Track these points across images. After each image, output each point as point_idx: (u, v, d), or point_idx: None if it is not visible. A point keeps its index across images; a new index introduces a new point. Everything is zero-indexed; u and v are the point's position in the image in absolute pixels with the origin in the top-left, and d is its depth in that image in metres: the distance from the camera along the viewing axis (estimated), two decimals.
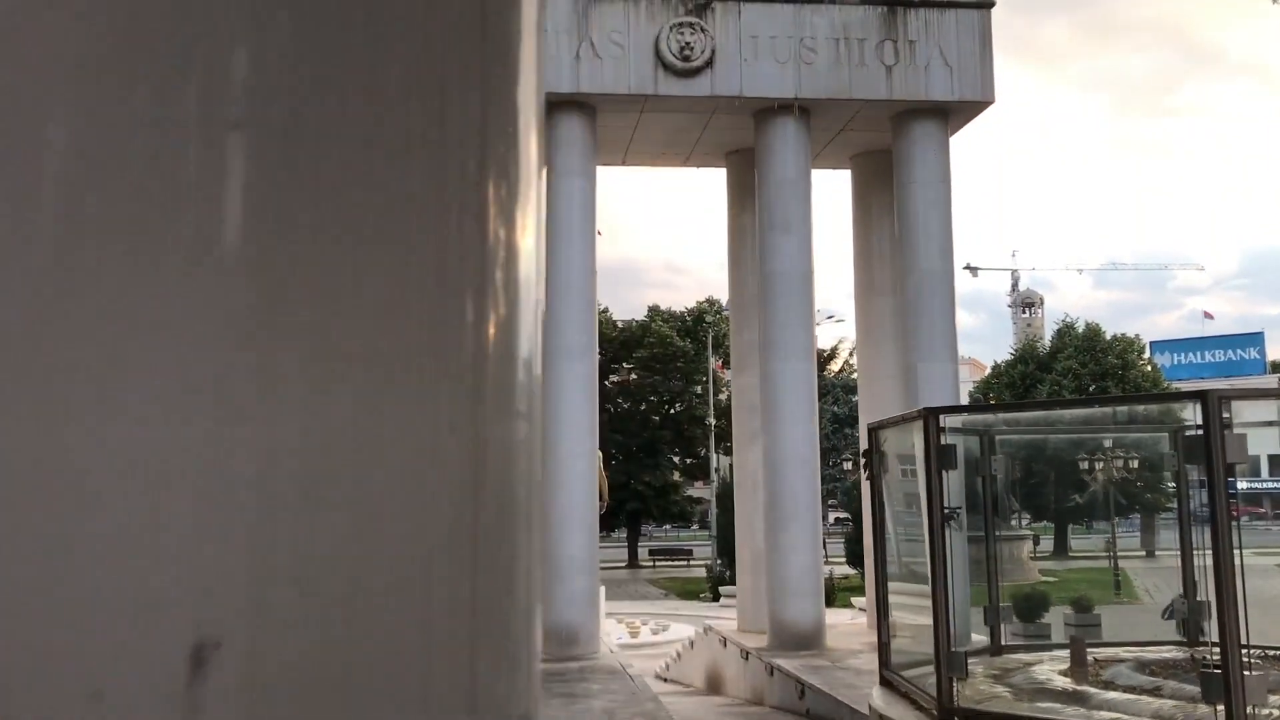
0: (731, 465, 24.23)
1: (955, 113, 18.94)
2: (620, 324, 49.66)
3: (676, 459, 51.55)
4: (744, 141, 19.96)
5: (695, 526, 63.94)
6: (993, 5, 18.66)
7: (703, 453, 50.06)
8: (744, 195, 20.66)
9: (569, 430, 17.74)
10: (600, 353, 51.66)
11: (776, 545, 18.08)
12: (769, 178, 18.65)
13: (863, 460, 12.27)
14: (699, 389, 49.67)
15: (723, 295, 50.88)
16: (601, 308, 50.09)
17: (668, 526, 62.22)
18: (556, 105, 18.12)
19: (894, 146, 19.17)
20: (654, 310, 50.02)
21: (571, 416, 17.76)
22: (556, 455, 17.66)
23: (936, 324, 18.68)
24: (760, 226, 18.81)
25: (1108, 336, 54.14)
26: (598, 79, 17.80)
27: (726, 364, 48.14)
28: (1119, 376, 52.45)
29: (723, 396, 49.62)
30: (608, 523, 49.19)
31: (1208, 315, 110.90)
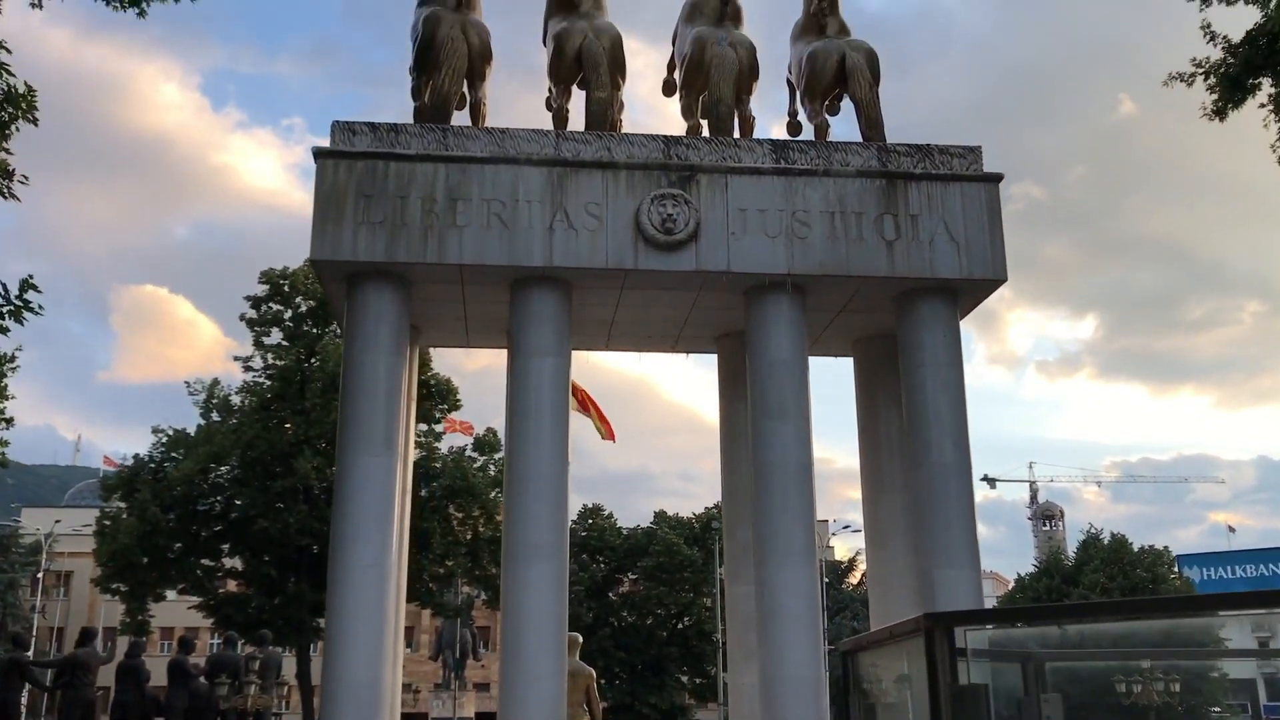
0: (726, 687, 21.29)
1: (964, 292, 17.07)
2: (625, 530, 47.13)
3: (685, 678, 47.91)
4: (735, 324, 18.08)
5: None
6: (1000, 179, 17.07)
7: (712, 672, 46.50)
8: (737, 381, 18.63)
9: (531, 646, 15.14)
10: (604, 561, 49.21)
11: None
12: (762, 359, 16.66)
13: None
14: (708, 601, 46.59)
15: None
16: (606, 513, 47.64)
17: None
18: (527, 281, 16.37)
19: (899, 329, 17.23)
20: (660, 516, 47.50)
21: (535, 627, 15.20)
22: (517, 674, 15.04)
23: (954, 524, 16.25)
24: (753, 413, 16.69)
25: (1135, 548, 51.03)
26: (573, 252, 16.09)
27: None
28: (1149, 591, 49.02)
29: None
30: None
31: (1231, 529, 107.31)
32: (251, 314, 41.03)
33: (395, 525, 15.75)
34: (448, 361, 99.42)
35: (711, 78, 17.56)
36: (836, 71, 17.88)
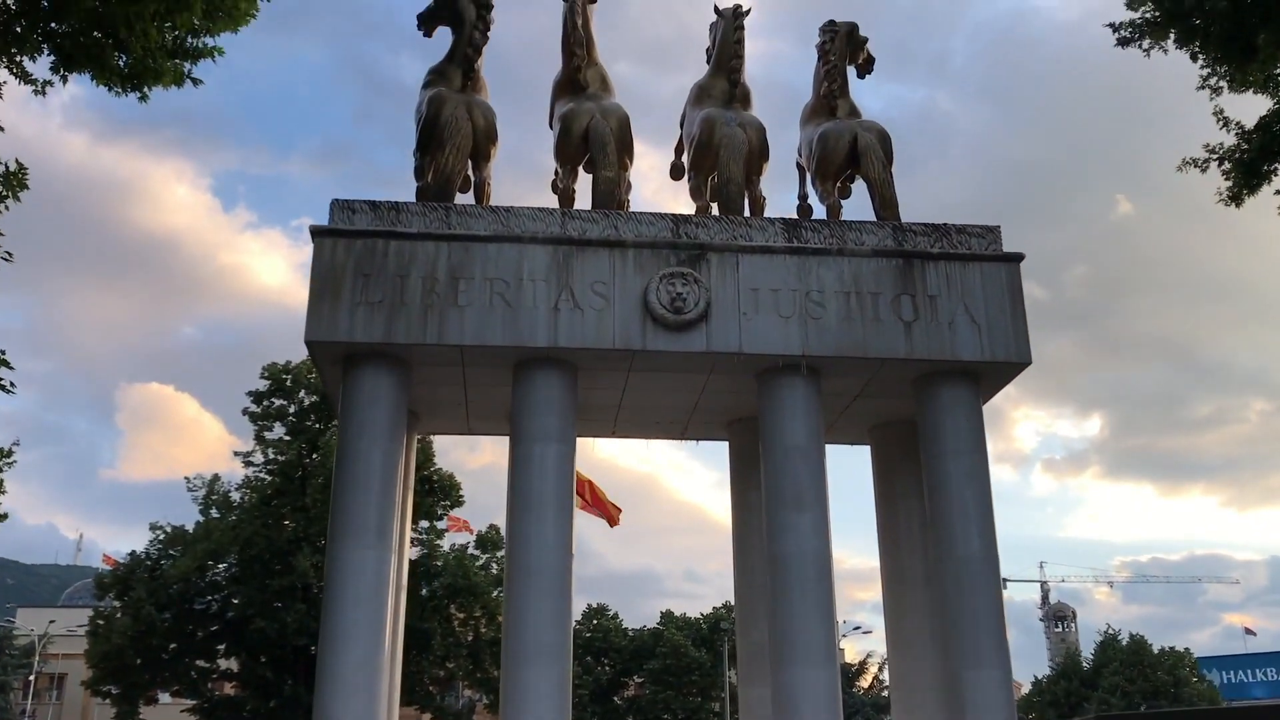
0: None
1: (986, 375, 16.23)
2: (631, 632, 45.50)
3: None
4: (747, 408, 17.23)
5: None
6: (1021, 259, 16.36)
7: None
8: (749, 469, 17.69)
9: None
10: (609, 664, 47.47)
11: None
12: (776, 445, 15.75)
13: None
14: (717, 706, 44.75)
15: None
16: (611, 613, 46.17)
17: None
18: (531, 363, 15.57)
19: (919, 414, 16.36)
20: (667, 616, 45.90)
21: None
22: None
23: (981, 621, 15.16)
24: (768, 502, 15.72)
25: (1155, 650, 49.26)
26: (578, 332, 15.32)
27: None
28: (1171, 694, 47.17)
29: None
30: None
31: (1250, 631, 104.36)
32: (254, 408, 40.31)
33: (389, 622, 14.69)
34: (450, 458, 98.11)
35: (721, 157, 17.02)
36: (849, 152, 17.34)
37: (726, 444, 18.71)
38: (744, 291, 15.72)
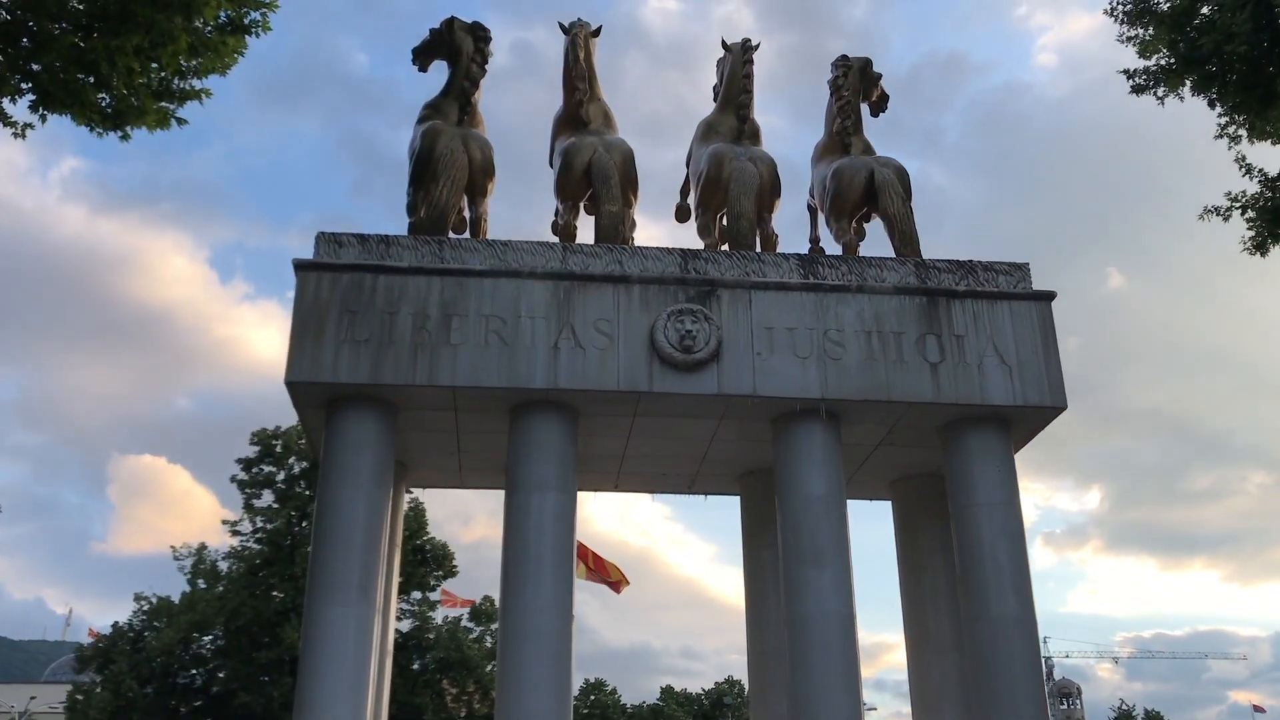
0: None
1: (1018, 421, 14.97)
2: (630, 708, 43.42)
3: None
4: (760, 459, 15.94)
5: None
6: (1053, 297, 15.20)
7: None
8: (763, 525, 16.34)
9: None
10: None
11: None
12: (794, 497, 14.43)
13: None
14: None
15: (745, 676, 45.01)
16: (609, 688, 44.25)
17: None
18: (528, 406, 14.31)
19: (946, 463, 15.07)
20: (667, 692, 43.88)
21: None
22: None
23: (1020, 688, 13.71)
24: (785, 559, 14.35)
25: None
26: (580, 373, 14.07)
27: None
28: None
29: None
30: None
31: (1259, 709, 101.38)
32: (242, 476, 38.99)
33: (370, 688, 13.20)
34: (443, 531, 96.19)
35: (731, 192, 15.94)
36: (865, 188, 16.28)
37: (738, 499, 17.34)
38: (758, 330, 14.52)
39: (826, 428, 14.58)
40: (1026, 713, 13.56)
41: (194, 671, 38.26)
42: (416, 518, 39.51)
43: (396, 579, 16.00)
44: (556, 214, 16.53)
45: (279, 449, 39.02)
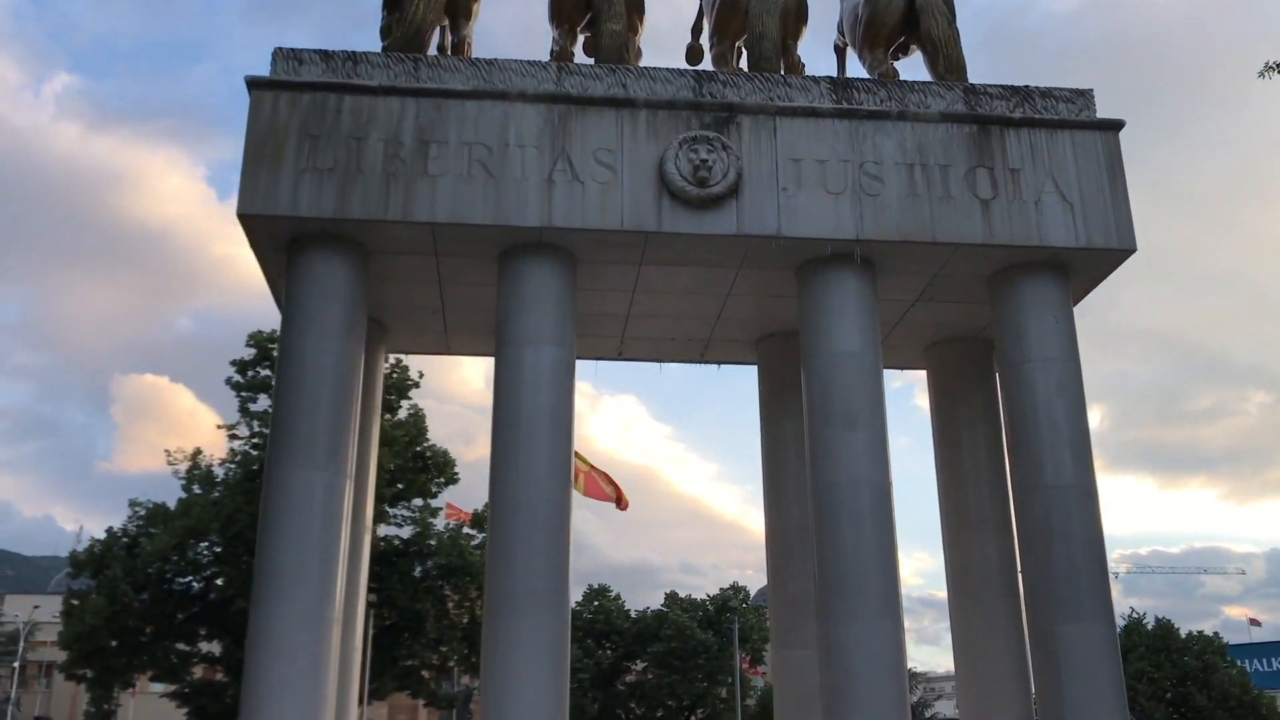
0: None
1: (1078, 268, 12.92)
2: (634, 614, 42.12)
3: None
4: (781, 320, 13.96)
5: None
6: (1120, 127, 13.03)
7: None
8: (784, 394, 14.39)
9: (525, 717, 10.68)
10: (611, 647, 44.04)
11: None
12: (822, 353, 12.42)
13: None
14: (724, 691, 41.33)
15: (748, 584, 43.42)
16: (613, 594, 42.88)
17: None
18: (520, 251, 12.24)
19: (996, 316, 13.05)
20: (671, 598, 42.50)
21: (526, 698, 10.74)
22: None
23: (1080, 564, 11.85)
24: (811, 424, 12.39)
25: (1182, 635, 45.82)
26: (578, 210, 11.99)
27: (755, 660, 40.21)
28: (1201, 680, 43.72)
29: (750, 701, 41.22)
30: None
31: (1255, 622, 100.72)
32: (238, 378, 37.12)
33: (341, 564, 11.33)
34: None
35: (752, 11, 13.68)
36: (904, 12, 14.02)
37: (755, 369, 15.33)
38: (783, 162, 12.39)
39: (860, 275, 12.54)
40: (1088, 588, 11.72)
41: (190, 578, 36.78)
42: (416, 424, 37.79)
43: (376, 447, 14.08)
44: (554, 42, 14.31)
45: (275, 351, 37.09)
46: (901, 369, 15.70)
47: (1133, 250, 12.60)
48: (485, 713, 10.95)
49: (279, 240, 12.06)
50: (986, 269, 12.89)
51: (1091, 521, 12.04)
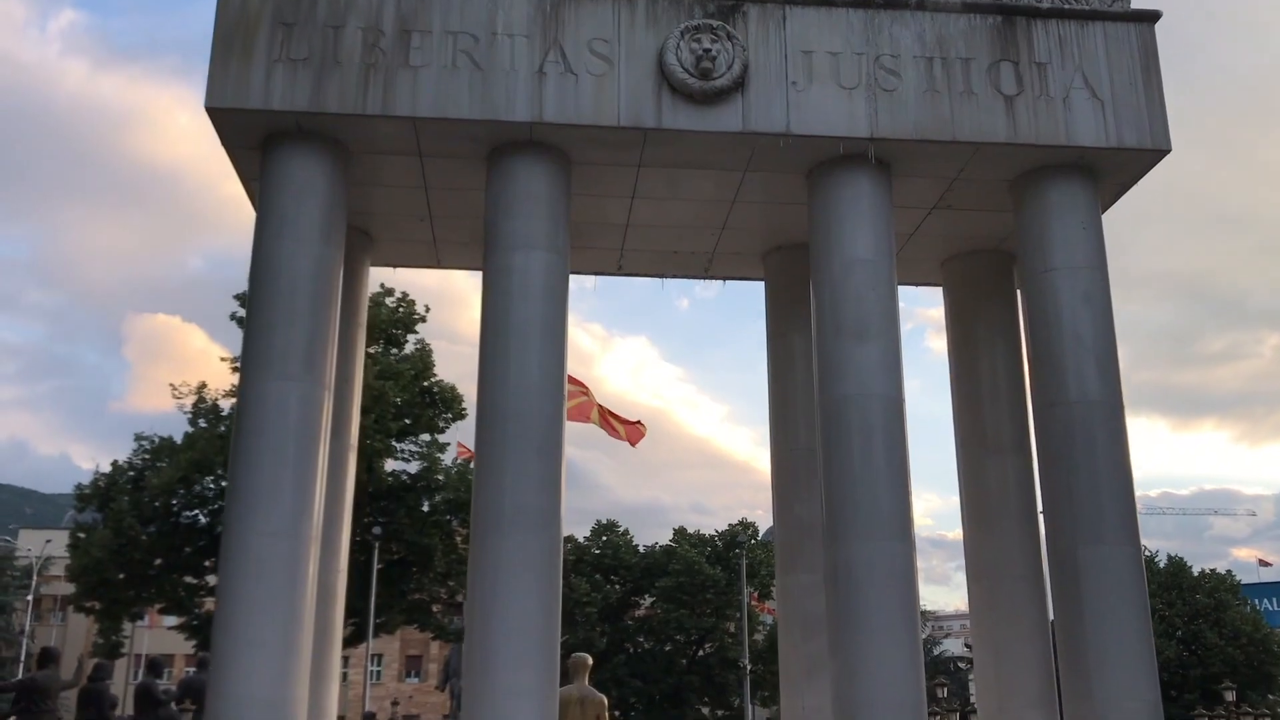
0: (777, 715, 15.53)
1: (1108, 170, 12.00)
2: (642, 549, 41.78)
3: (706, 710, 42.27)
4: (790, 230, 13.11)
5: None
6: (1156, 19, 12.03)
7: (736, 703, 41.02)
8: (791, 309, 13.59)
9: (507, 647, 10.03)
10: (619, 582, 43.78)
11: None
12: (833, 261, 11.58)
13: None
14: (732, 626, 41.08)
15: (760, 525, 42.94)
16: (621, 529, 42.47)
17: None
18: (509, 150, 11.39)
19: (1019, 223, 12.18)
20: (680, 533, 42.12)
21: (514, 620, 10.09)
22: (486, 691, 9.93)
23: (1104, 483, 11.10)
24: (820, 336, 11.59)
25: (1194, 573, 45.33)
26: (571, 105, 11.12)
27: (763, 596, 39.85)
28: (1213, 618, 43.30)
29: (758, 636, 40.94)
30: None
31: (1264, 563, 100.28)
32: (241, 312, 36.47)
33: (318, 479, 10.64)
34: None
35: None
36: None
37: (762, 285, 14.48)
38: (793, 54, 11.45)
39: (874, 178, 11.66)
40: (1112, 508, 10.98)
41: (196, 512, 36.43)
42: (423, 358, 37.19)
43: (360, 363, 13.34)
44: None
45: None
46: (916, 285, 14.82)
47: (1167, 150, 11.67)
48: (469, 639, 10.31)
49: (252, 136, 11.22)
50: (1009, 171, 11.99)
51: (1117, 438, 11.26)
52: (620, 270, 14.39)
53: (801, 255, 12.62)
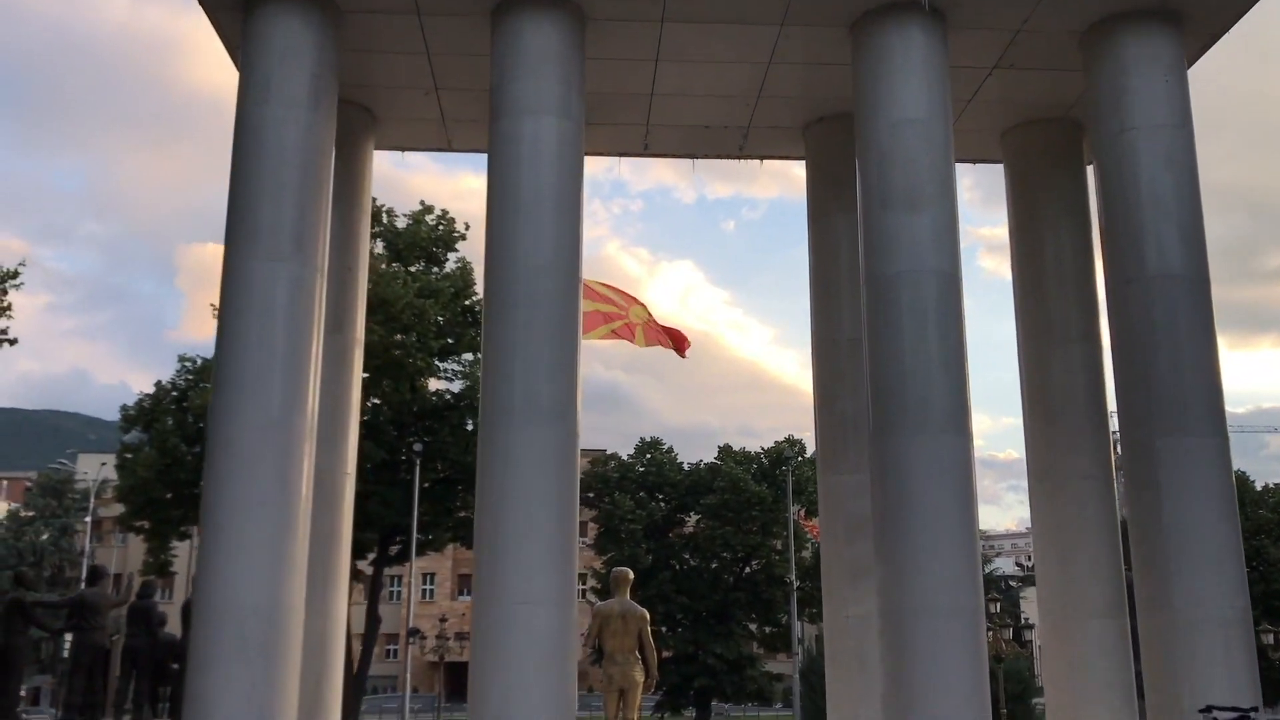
0: (823, 622, 14.32)
1: (1194, 15, 10.46)
2: (687, 466, 40.92)
3: (754, 627, 41.62)
4: (833, 97, 11.73)
5: (779, 706, 52.85)
6: None
7: (784, 620, 40.29)
8: (834, 187, 12.26)
9: (519, 551, 9.03)
10: (664, 499, 43.02)
11: None
12: (880, 122, 10.22)
13: None
14: (778, 544, 40.15)
15: (808, 442, 41.88)
16: (666, 447, 41.54)
17: (747, 705, 51.68)
18: (513, 6, 10.11)
19: (1090, 80, 10.72)
20: (725, 451, 41.18)
21: (525, 520, 9.07)
22: (494, 598, 8.96)
23: (1187, 366, 9.77)
24: (866, 209, 10.29)
25: (1257, 488, 43.60)
26: None
27: (810, 514, 38.89)
28: (1276, 534, 41.68)
29: (805, 553, 40.04)
30: (673, 701, 39.11)
31: None
32: None
33: (313, 369, 9.63)
34: None
35: None
36: None
37: (803, 164, 13.13)
38: None
39: (928, 29, 10.23)
40: (1197, 398, 9.69)
41: None
42: (464, 276, 36.16)
43: (365, 250, 12.24)
44: None
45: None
46: (974, 162, 13.38)
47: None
48: (478, 543, 9.31)
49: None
50: (1080, 21, 10.49)
51: (1203, 314, 9.92)
52: (646, 150, 13.08)
53: (845, 126, 11.28)
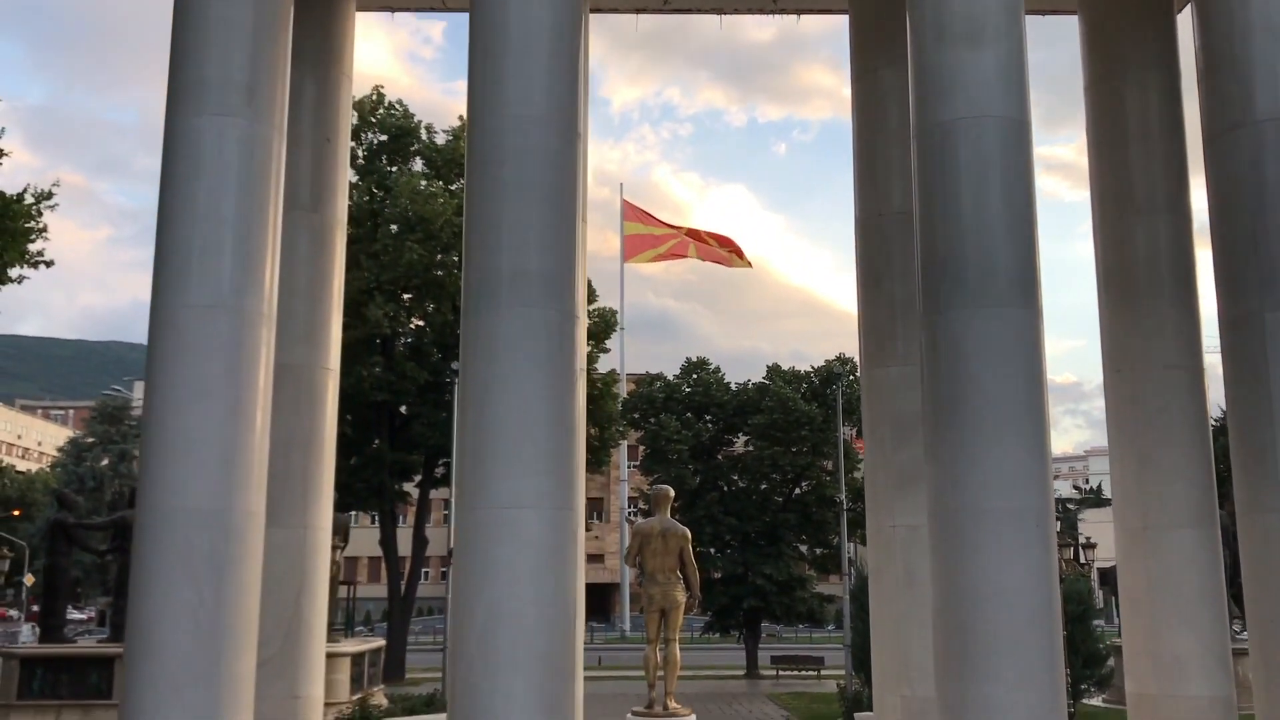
0: (864, 543, 12.75)
1: None
2: (735, 386, 39.45)
3: (804, 548, 40.35)
4: None
5: (831, 628, 51.75)
6: None
7: (834, 541, 38.94)
8: (881, 40, 10.55)
9: (501, 446, 7.64)
10: (711, 420, 41.59)
11: (966, 695, 7.44)
12: None
13: None
14: (829, 464, 38.66)
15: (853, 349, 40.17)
16: (713, 367, 39.97)
17: (799, 627, 50.70)
18: None
19: None
20: (774, 370, 39.57)
21: (510, 410, 7.67)
22: (479, 501, 7.60)
23: None
24: (918, 45, 8.56)
25: None
26: None
27: (860, 434, 37.37)
28: None
29: (857, 474, 38.50)
30: (721, 622, 38.07)
31: None
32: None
33: (271, 244, 8.23)
34: None
35: None
36: None
37: (845, 19, 11.38)
38: None
39: None
40: None
41: None
42: None
43: (348, 120, 10.75)
44: None
45: (356, 121, 33.88)
46: (1046, 14, 11.50)
47: None
48: (459, 442, 7.95)
49: None
50: None
51: None
52: (667, 5, 11.38)
53: None
